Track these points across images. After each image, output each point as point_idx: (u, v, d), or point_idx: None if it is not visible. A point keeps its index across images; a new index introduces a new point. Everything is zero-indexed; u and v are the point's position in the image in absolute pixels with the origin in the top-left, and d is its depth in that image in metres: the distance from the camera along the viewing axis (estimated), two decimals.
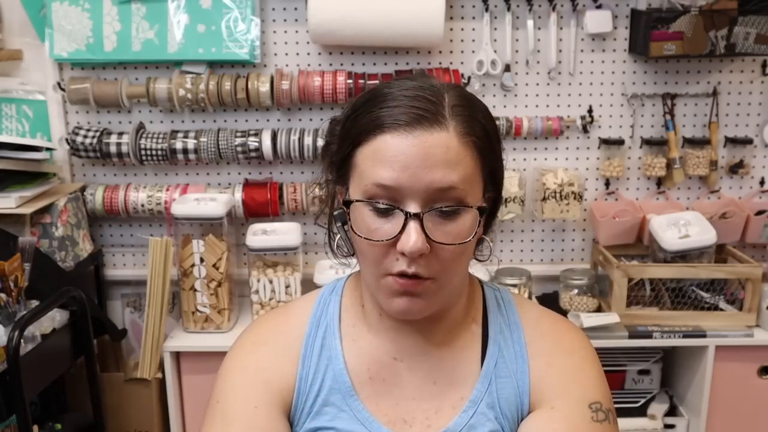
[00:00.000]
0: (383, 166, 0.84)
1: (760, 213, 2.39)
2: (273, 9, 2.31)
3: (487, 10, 2.29)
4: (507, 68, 2.35)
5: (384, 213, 0.86)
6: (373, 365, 0.98)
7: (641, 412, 2.35)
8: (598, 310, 2.32)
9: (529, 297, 2.30)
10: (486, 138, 0.89)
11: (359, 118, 0.88)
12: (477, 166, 0.87)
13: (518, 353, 0.97)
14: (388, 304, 0.90)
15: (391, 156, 0.84)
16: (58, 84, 2.31)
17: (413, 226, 0.84)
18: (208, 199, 2.22)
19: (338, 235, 0.97)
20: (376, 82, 2.27)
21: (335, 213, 0.96)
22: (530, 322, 1.00)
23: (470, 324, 1.00)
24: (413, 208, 0.84)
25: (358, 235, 0.88)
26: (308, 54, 2.35)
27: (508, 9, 2.30)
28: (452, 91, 0.89)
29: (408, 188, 0.84)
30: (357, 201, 0.87)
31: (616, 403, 2.54)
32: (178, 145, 2.30)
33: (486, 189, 0.91)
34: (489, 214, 0.95)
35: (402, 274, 0.86)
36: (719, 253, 2.36)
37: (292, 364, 0.98)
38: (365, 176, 0.86)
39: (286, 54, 2.35)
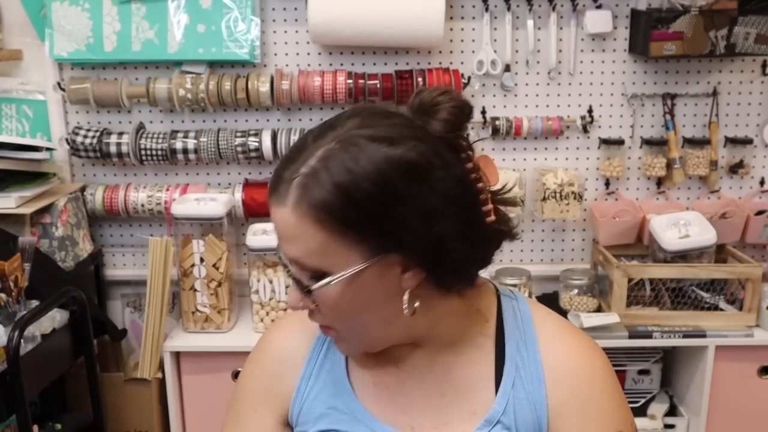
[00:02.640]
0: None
1: (760, 213, 2.39)
2: (273, 9, 2.31)
3: (487, 10, 2.29)
4: (507, 68, 2.35)
5: None
6: (376, 374, 0.97)
7: (641, 412, 2.35)
8: (598, 310, 2.32)
9: (529, 297, 2.30)
10: (346, 200, 0.79)
11: None
12: (330, 235, 0.81)
13: (535, 375, 0.93)
14: None
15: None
16: (58, 84, 2.31)
17: (291, 284, 0.88)
18: (208, 199, 2.22)
19: None
20: (376, 82, 2.27)
21: None
22: (547, 341, 0.95)
23: (476, 337, 0.96)
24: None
25: None
26: (308, 54, 2.35)
27: (508, 9, 2.30)
28: (326, 145, 0.82)
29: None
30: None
31: None
32: (178, 145, 2.30)
33: (377, 245, 0.82)
34: (432, 257, 0.84)
35: None
36: (719, 253, 2.36)
37: (294, 370, 1.00)
38: None
39: (286, 54, 2.35)
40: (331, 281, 0.82)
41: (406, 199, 0.80)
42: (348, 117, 0.85)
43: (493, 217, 0.89)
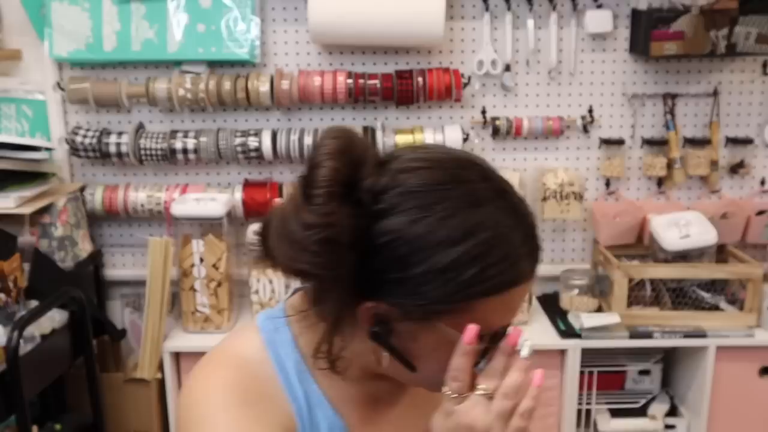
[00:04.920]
0: (509, 311, 0.85)
1: (760, 213, 2.39)
2: (273, 9, 2.31)
3: (487, 9, 2.29)
4: (507, 68, 2.34)
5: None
6: (358, 408, 0.94)
7: (642, 412, 2.35)
8: (599, 310, 2.32)
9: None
10: None
11: (486, 271, 0.80)
12: None
13: None
14: None
15: (516, 303, 0.85)
16: (58, 84, 2.31)
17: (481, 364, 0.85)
18: (208, 199, 2.22)
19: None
20: (376, 82, 2.26)
21: (378, 329, 0.84)
22: None
23: None
24: None
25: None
26: (308, 54, 2.35)
27: (509, 9, 2.30)
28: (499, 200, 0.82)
29: None
30: (489, 345, 0.84)
31: (616, 403, 2.53)
32: (178, 144, 2.30)
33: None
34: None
35: None
36: (720, 253, 2.36)
37: (288, 416, 0.88)
38: (488, 321, 0.82)
39: (286, 54, 2.35)
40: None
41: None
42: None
43: None
